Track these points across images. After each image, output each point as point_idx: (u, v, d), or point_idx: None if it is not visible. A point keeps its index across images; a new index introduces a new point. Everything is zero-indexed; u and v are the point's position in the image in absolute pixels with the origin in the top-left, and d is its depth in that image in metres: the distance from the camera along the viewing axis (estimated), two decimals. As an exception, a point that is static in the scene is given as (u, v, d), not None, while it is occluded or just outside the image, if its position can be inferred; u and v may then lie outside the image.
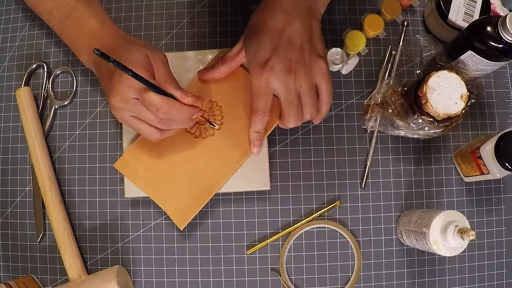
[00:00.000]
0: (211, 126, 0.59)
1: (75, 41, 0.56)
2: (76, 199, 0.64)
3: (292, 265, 0.62)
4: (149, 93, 0.48)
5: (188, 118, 0.52)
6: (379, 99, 0.63)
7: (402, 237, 0.61)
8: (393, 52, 0.67)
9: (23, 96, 0.64)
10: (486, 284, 0.62)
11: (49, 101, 0.67)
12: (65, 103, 0.66)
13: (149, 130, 0.52)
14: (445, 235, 0.51)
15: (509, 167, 0.53)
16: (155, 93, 0.48)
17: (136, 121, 0.51)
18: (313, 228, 0.62)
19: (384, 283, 0.62)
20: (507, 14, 0.52)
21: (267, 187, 0.60)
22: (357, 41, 0.64)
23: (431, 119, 0.58)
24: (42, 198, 0.63)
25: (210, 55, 0.62)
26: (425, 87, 0.56)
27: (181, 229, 0.59)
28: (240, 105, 0.60)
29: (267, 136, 0.61)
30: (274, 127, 0.59)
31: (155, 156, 0.59)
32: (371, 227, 0.63)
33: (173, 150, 0.59)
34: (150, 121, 0.51)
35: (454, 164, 0.64)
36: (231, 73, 0.60)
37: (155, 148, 0.59)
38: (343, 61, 0.64)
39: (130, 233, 0.63)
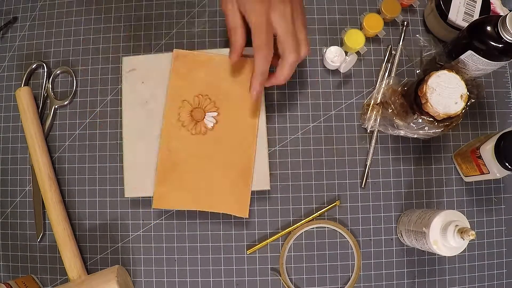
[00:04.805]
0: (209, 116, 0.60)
1: None
2: (76, 199, 0.64)
3: (292, 265, 0.62)
4: None
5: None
6: (379, 99, 0.63)
7: (402, 237, 0.61)
8: (393, 52, 0.67)
9: (23, 96, 0.65)
10: (486, 284, 0.62)
11: (49, 101, 0.67)
12: (65, 103, 0.66)
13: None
14: (445, 235, 0.51)
15: (509, 167, 0.53)
16: None
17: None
18: (313, 228, 0.62)
19: (384, 283, 0.62)
20: (507, 14, 0.52)
21: (267, 187, 0.60)
22: (356, 40, 0.64)
23: (431, 119, 0.58)
24: (42, 198, 0.63)
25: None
26: (425, 87, 0.56)
27: (248, 217, 0.59)
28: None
29: (267, 136, 0.61)
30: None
31: (178, 175, 0.59)
32: (371, 227, 0.63)
33: (188, 158, 0.60)
34: None
35: (454, 164, 0.64)
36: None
37: (173, 169, 0.60)
38: (341, 60, 0.64)
39: (130, 233, 0.63)
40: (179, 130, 0.60)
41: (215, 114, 0.60)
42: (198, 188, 0.59)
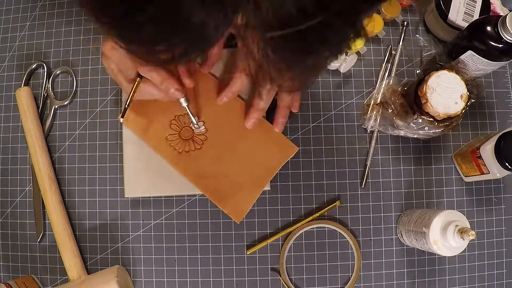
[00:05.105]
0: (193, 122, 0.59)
1: None
2: (76, 199, 0.64)
3: (292, 265, 0.62)
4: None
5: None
6: (379, 99, 0.63)
7: (402, 237, 0.61)
8: (393, 52, 0.67)
9: (23, 96, 0.64)
10: (486, 284, 0.62)
11: (49, 101, 0.67)
12: (65, 103, 0.66)
13: None
14: (445, 235, 0.51)
15: (509, 167, 0.53)
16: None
17: None
18: (313, 228, 0.62)
19: (384, 283, 0.62)
20: (507, 14, 0.52)
21: (267, 187, 0.60)
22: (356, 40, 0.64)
23: (431, 119, 0.58)
24: (42, 198, 0.63)
25: None
26: (425, 87, 0.56)
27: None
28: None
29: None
30: None
31: (226, 183, 0.60)
32: (371, 227, 0.63)
33: (215, 165, 0.60)
34: None
35: (454, 164, 0.64)
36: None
37: (217, 183, 0.60)
38: (341, 60, 0.64)
39: (130, 233, 0.63)
40: (189, 157, 0.60)
41: (196, 118, 0.60)
42: (243, 174, 0.59)
